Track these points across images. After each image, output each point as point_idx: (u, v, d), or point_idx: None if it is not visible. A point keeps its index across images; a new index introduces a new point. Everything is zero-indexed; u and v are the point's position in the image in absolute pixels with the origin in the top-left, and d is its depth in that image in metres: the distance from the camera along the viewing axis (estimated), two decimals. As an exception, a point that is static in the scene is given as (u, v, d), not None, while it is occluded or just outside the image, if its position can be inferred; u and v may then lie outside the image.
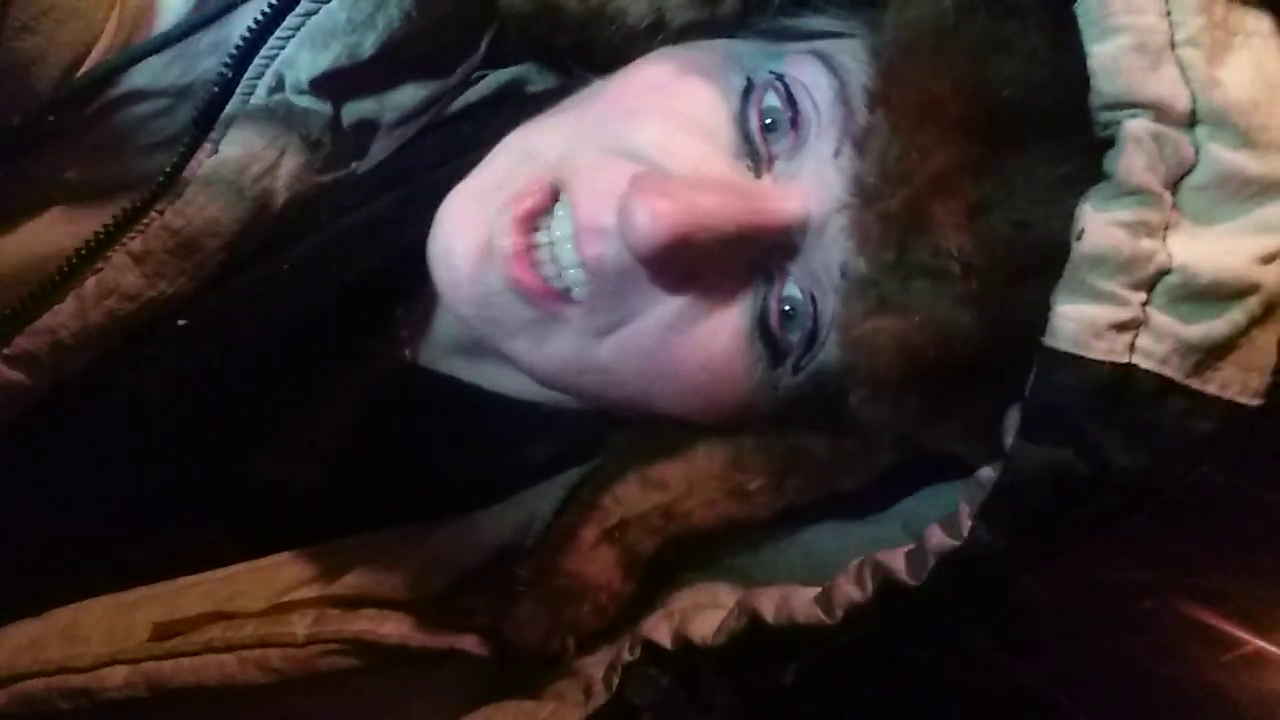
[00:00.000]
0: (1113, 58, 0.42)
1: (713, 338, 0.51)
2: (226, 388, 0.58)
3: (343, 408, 0.61)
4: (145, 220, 0.55)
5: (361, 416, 0.61)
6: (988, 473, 0.46)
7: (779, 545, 0.58)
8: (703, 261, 0.50)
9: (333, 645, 0.57)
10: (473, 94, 0.60)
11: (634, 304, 0.51)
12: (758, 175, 0.52)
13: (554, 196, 0.52)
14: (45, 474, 0.59)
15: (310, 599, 0.59)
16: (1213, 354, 0.43)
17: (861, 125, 0.48)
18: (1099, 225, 0.42)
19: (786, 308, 0.51)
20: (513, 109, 0.58)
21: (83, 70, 0.53)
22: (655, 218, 0.47)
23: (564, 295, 0.51)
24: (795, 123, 0.51)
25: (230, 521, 0.62)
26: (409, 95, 0.58)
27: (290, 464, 0.61)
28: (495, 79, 0.60)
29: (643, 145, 0.51)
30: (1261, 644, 0.91)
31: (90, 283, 0.55)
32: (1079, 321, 0.42)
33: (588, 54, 0.57)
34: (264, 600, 0.59)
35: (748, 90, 0.52)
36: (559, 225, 0.51)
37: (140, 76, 0.54)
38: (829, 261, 0.49)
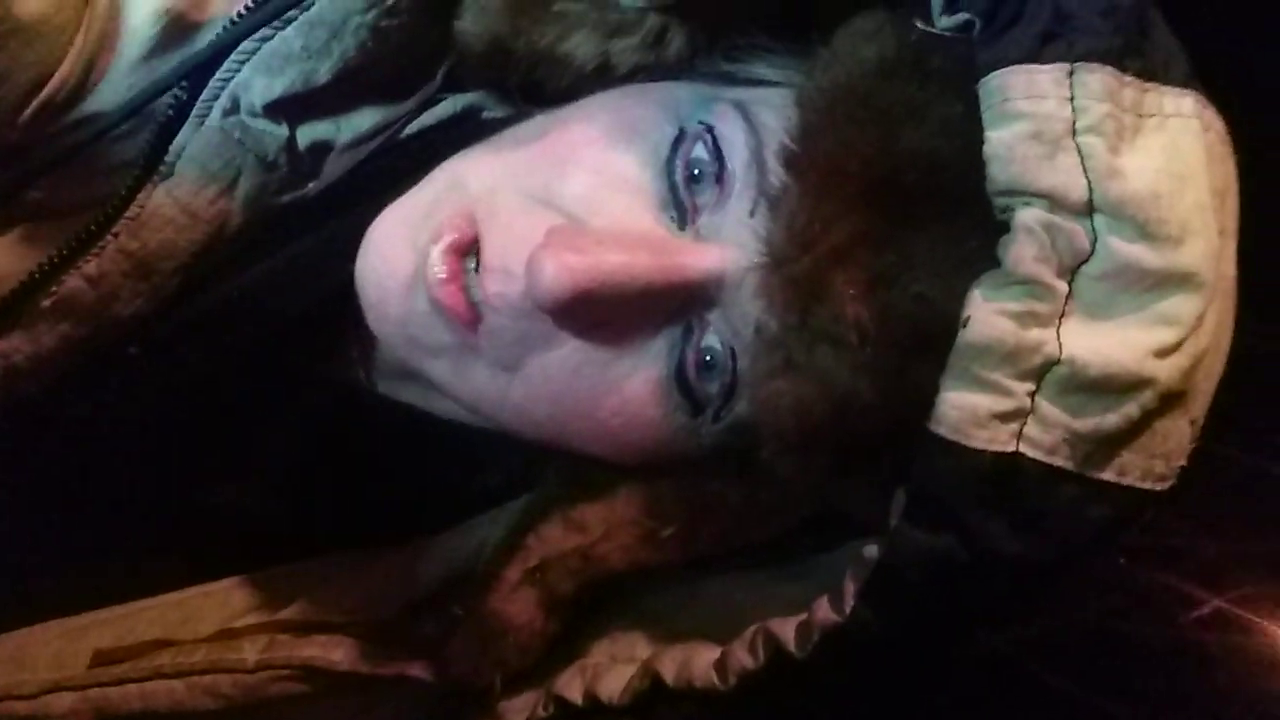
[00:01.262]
0: (1007, 145, 0.42)
1: (625, 383, 0.51)
2: (178, 412, 0.58)
3: (295, 431, 0.60)
4: (101, 243, 0.55)
5: (313, 440, 0.60)
6: (872, 550, 0.46)
7: (700, 593, 0.58)
8: (612, 313, 0.49)
9: (283, 671, 0.58)
10: (429, 117, 0.59)
11: (535, 341, 0.51)
12: (681, 227, 0.51)
13: (476, 230, 0.51)
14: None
15: (261, 624, 0.59)
16: (1107, 443, 0.43)
17: (774, 186, 0.47)
18: (986, 314, 0.42)
19: (707, 358, 0.50)
20: (466, 134, 0.57)
21: (43, 96, 0.52)
22: (559, 272, 0.47)
23: (476, 321, 0.51)
24: (720, 177, 0.50)
25: (183, 545, 0.62)
26: (366, 118, 0.58)
27: (243, 488, 0.61)
28: (453, 104, 0.59)
29: (567, 198, 0.51)
30: (1220, 603, 0.91)
31: (45, 305, 0.55)
32: (961, 409, 0.42)
33: (537, 91, 0.57)
34: (216, 624, 0.59)
35: (678, 139, 0.51)
36: (474, 263, 0.51)
37: (103, 101, 0.54)
38: (746, 318, 0.49)
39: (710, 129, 0.51)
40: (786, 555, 0.56)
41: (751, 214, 0.49)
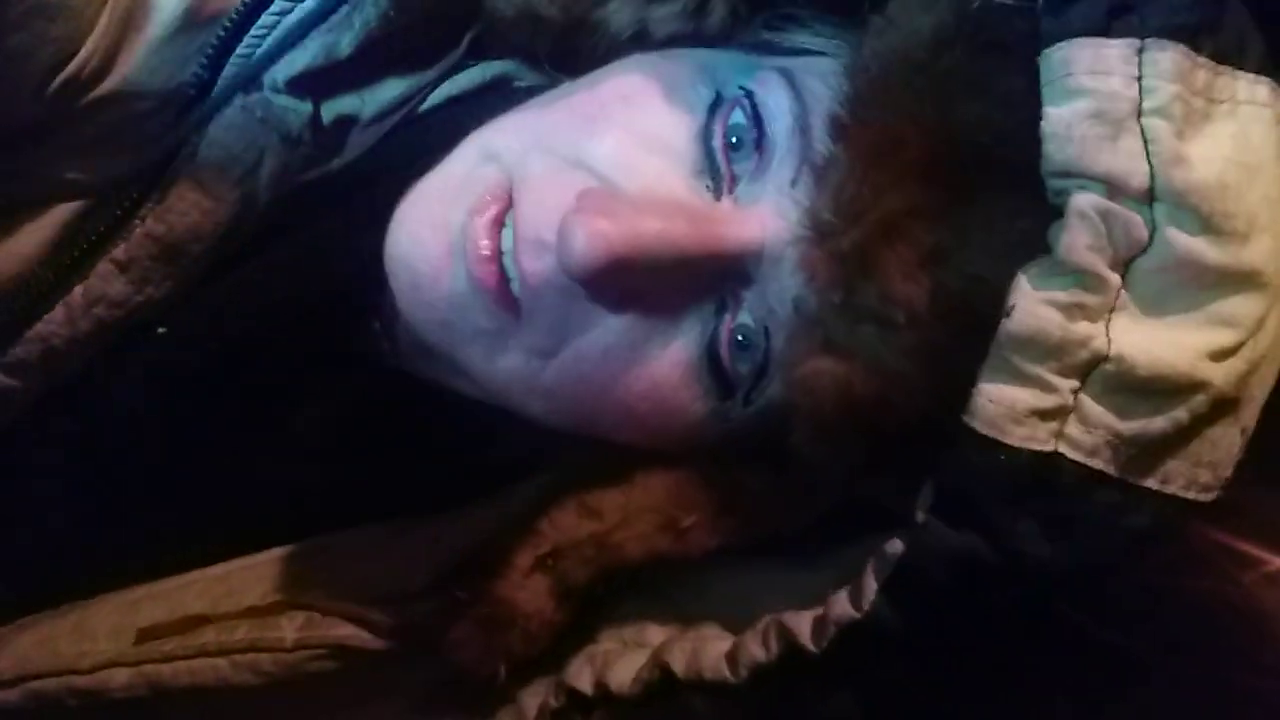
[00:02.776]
0: (1066, 123, 0.40)
1: (657, 365, 0.50)
2: (210, 389, 0.60)
3: (322, 406, 0.61)
4: (128, 228, 0.56)
5: (340, 414, 0.61)
6: (895, 546, 0.45)
7: (715, 582, 0.57)
8: (646, 284, 0.48)
9: (319, 650, 0.59)
10: (453, 86, 0.59)
11: (574, 324, 0.50)
12: (717, 196, 0.49)
13: (512, 202, 0.50)
14: (44, 475, 0.62)
15: (296, 601, 0.61)
16: (1152, 449, 0.41)
17: (822, 155, 0.46)
18: (1032, 303, 0.40)
19: (740, 337, 0.49)
20: (497, 103, 0.56)
21: (68, 72, 0.53)
22: (592, 239, 0.46)
23: (516, 306, 0.50)
24: (760, 144, 0.49)
25: (223, 518, 0.64)
26: (390, 89, 0.58)
27: (273, 462, 0.62)
28: (481, 71, 0.59)
29: (598, 158, 0.50)
30: (1283, 562, 0.90)
31: (78, 291, 0.57)
32: (999, 404, 0.41)
33: (569, 60, 0.56)
34: (256, 597, 0.61)
35: (715, 105, 0.50)
36: (508, 236, 0.50)
37: (129, 79, 0.55)
38: (784, 293, 0.47)
39: (750, 94, 0.49)
40: (803, 544, 0.55)
41: (794, 184, 0.47)
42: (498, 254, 0.49)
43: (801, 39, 0.53)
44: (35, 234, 0.57)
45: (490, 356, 0.52)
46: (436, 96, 0.59)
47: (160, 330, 0.59)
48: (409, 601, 0.59)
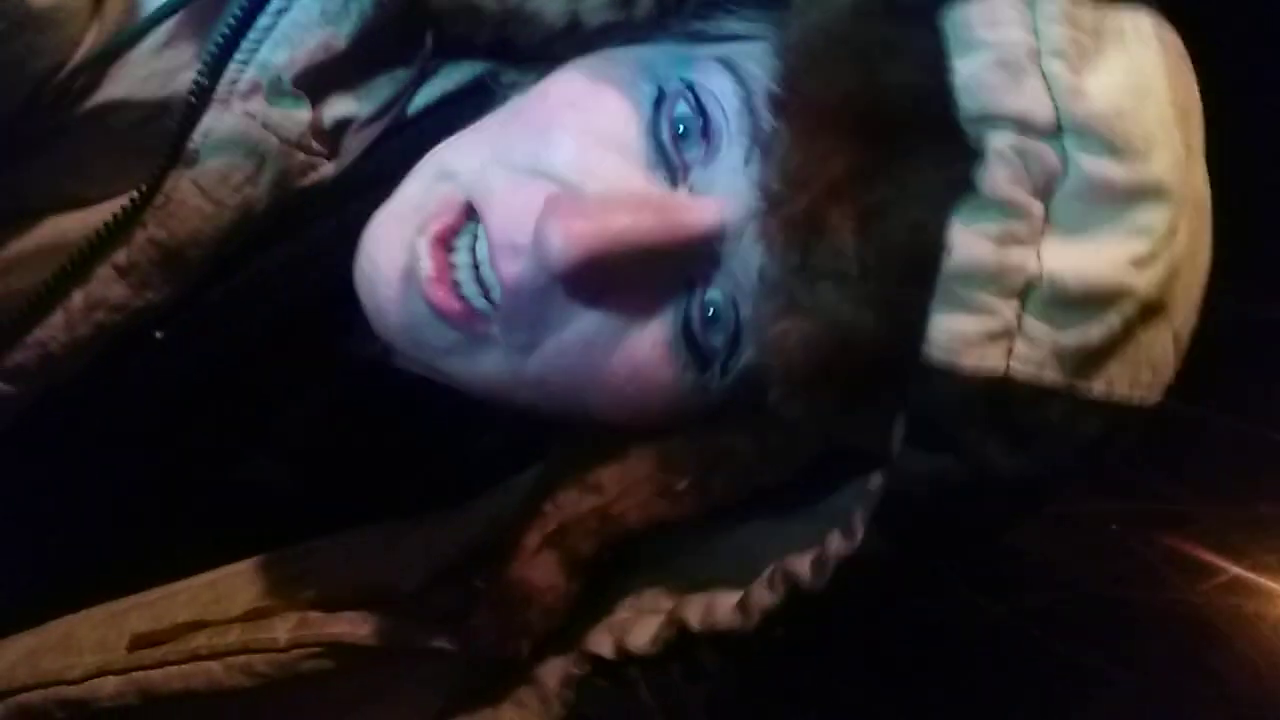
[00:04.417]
0: (973, 74, 0.42)
1: (637, 348, 0.51)
2: (204, 392, 0.59)
3: (318, 408, 0.61)
4: (129, 233, 0.55)
5: (336, 416, 0.61)
6: (877, 480, 0.47)
7: (717, 544, 0.58)
8: (620, 275, 0.50)
9: (314, 649, 0.59)
10: (444, 85, 0.59)
11: (552, 319, 0.51)
12: (674, 185, 0.51)
13: (468, 215, 0.52)
14: (35, 482, 0.60)
15: (290, 602, 0.60)
16: (1093, 356, 0.43)
17: (767, 132, 0.48)
18: (967, 238, 0.42)
19: (709, 311, 0.51)
20: (484, 101, 0.57)
21: (58, 81, 0.53)
22: (568, 238, 0.48)
23: (484, 314, 0.51)
24: (706, 131, 0.51)
25: (215, 524, 0.63)
26: (384, 88, 0.58)
27: (269, 466, 0.62)
28: (470, 69, 0.59)
29: (557, 165, 0.51)
30: (1239, 571, 0.91)
31: (77, 296, 0.56)
32: (951, 332, 0.43)
33: (509, 51, 0.57)
34: (247, 603, 0.60)
35: (659, 100, 0.52)
36: (479, 247, 0.51)
37: (121, 87, 0.54)
38: (747, 265, 0.49)
39: (690, 85, 0.51)
40: (797, 500, 0.57)
41: (746, 162, 0.50)
42: (445, 270, 0.51)
43: (731, 25, 0.54)
44: (34, 240, 0.56)
45: (469, 362, 0.53)
46: (426, 97, 0.59)
47: (157, 335, 0.58)
48: (405, 601, 0.59)
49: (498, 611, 0.57)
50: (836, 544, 0.48)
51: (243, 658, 0.58)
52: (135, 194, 0.55)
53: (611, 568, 0.58)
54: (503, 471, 0.61)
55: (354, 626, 0.58)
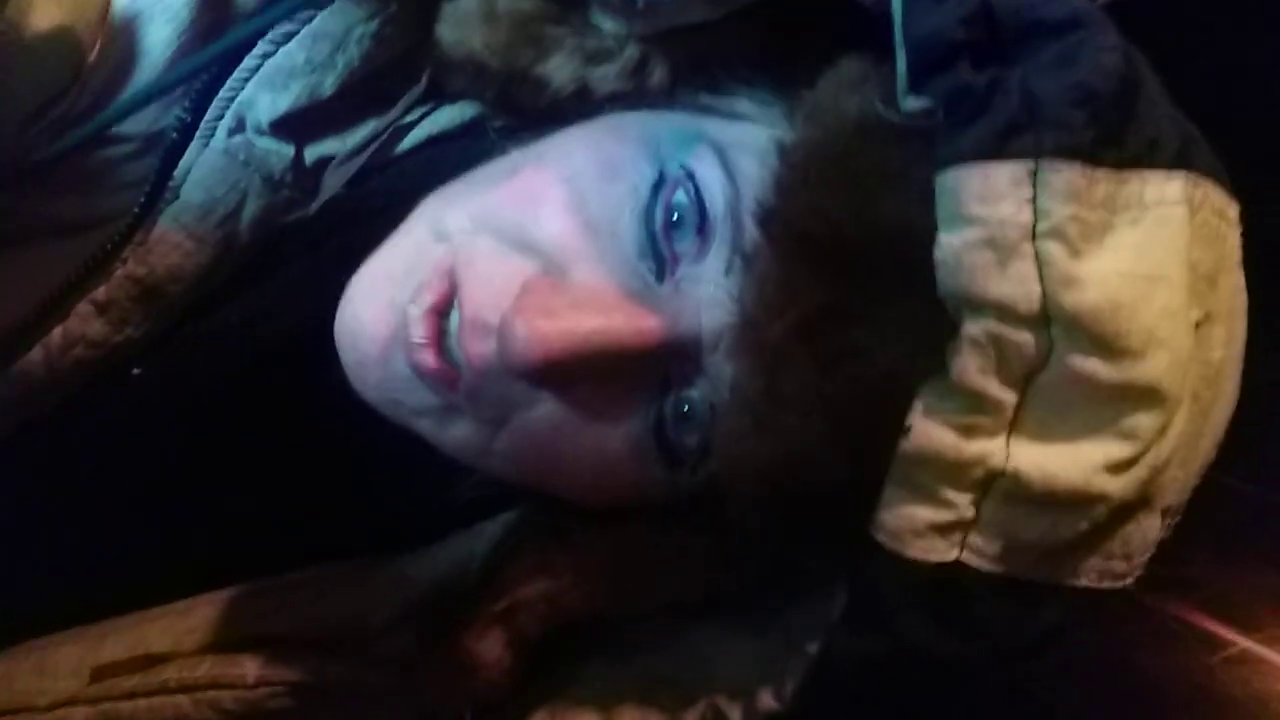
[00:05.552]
0: (956, 252, 0.39)
1: (606, 440, 0.49)
2: (181, 427, 0.59)
3: (293, 444, 0.60)
4: (109, 269, 0.55)
5: (312, 453, 0.60)
6: (814, 646, 0.46)
7: (673, 641, 0.56)
8: (589, 372, 0.48)
9: (280, 687, 0.58)
10: (430, 126, 0.58)
11: (518, 400, 0.49)
12: (660, 278, 0.49)
13: (457, 282, 0.50)
14: (12, 509, 0.60)
15: (263, 635, 0.59)
16: (1057, 553, 0.41)
17: (750, 244, 0.45)
18: (926, 425, 0.40)
19: (685, 408, 0.49)
20: (472, 144, 0.56)
21: (54, 114, 0.53)
22: (531, 339, 0.45)
23: (460, 384, 0.50)
24: (702, 227, 0.48)
25: (192, 554, 0.62)
26: (370, 131, 0.57)
27: (244, 499, 0.61)
28: (461, 111, 0.58)
29: (543, 242, 0.49)
30: (1249, 644, 0.90)
31: (57, 332, 0.56)
32: (900, 518, 0.41)
33: (515, 109, 0.56)
34: (220, 633, 0.60)
35: (658, 184, 0.49)
36: (455, 317, 0.49)
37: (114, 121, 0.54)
38: (724, 375, 0.47)
39: (691, 174, 0.48)
40: (756, 607, 0.54)
41: (727, 272, 0.47)
42: (437, 338, 0.49)
43: (742, 105, 0.52)
44: (16, 275, 0.56)
45: (441, 428, 0.52)
46: (416, 137, 0.58)
47: (135, 371, 0.58)
48: (372, 638, 0.58)
49: (441, 675, 0.56)
50: (766, 700, 0.47)
51: (211, 693, 0.58)
52: (115, 231, 0.55)
53: (562, 649, 0.57)
54: (475, 515, 0.60)
55: (319, 667, 0.58)
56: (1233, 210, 0.44)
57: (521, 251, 0.49)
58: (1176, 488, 0.43)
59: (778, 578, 0.53)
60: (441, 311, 0.49)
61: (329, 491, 0.60)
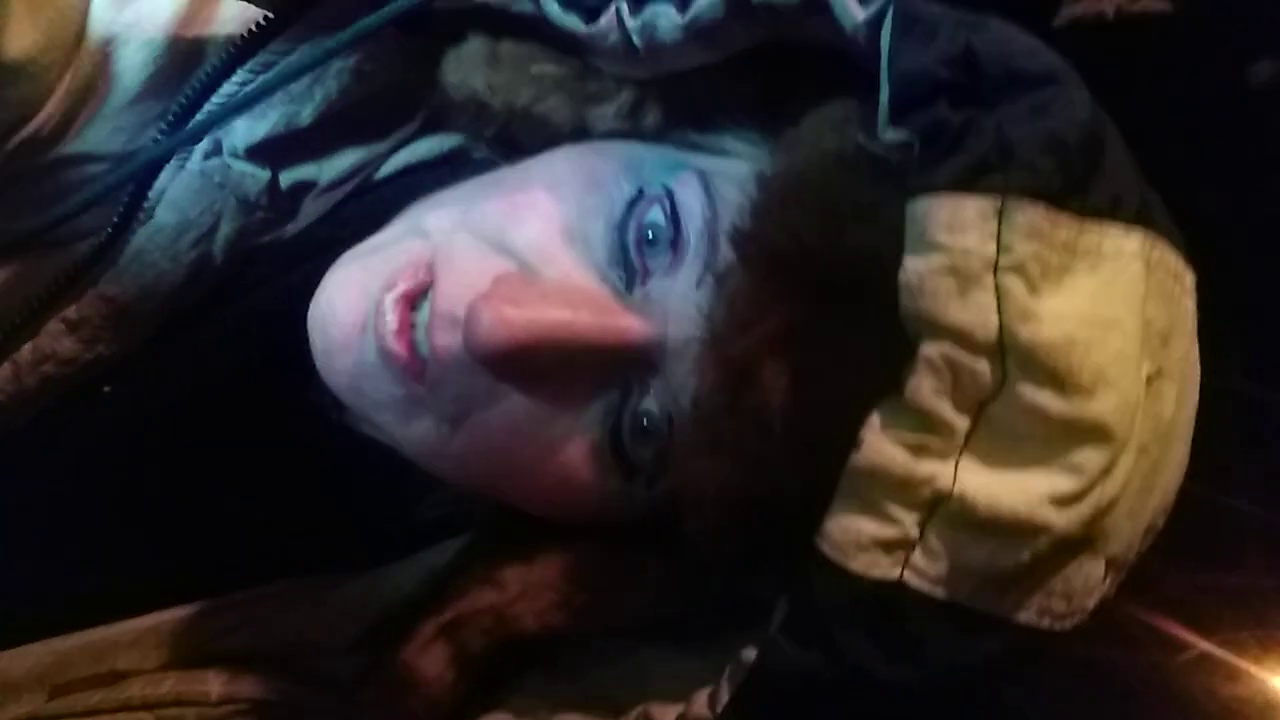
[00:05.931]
0: (919, 276, 0.40)
1: (561, 443, 0.50)
2: (152, 446, 0.59)
3: (262, 463, 0.60)
4: (80, 287, 0.55)
5: (280, 471, 0.60)
6: (749, 654, 0.45)
7: (615, 659, 0.56)
8: (551, 369, 0.49)
9: (243, 705, 0.58)
10: (409, 155, 0.59)
11: (481, 398, 0.50)
12: (629, 288, 0.50)
13: (432, 277, 0.51)
14: None
15: (226, 651, 0.60)
16: (998, 581, 0.41)
17: (723, 263, 0.47)
18: (878, 440, 0.41)
19: (644, 421, 0.49)
20: (450, 174, 0.57)
21: (25, 133, 0.53)
22: (495, 324, 0.46)
23: (423, 375, 0.50)
24: (675, 244, 0.49)
25: (160, 569, 0.62)
26: (348, 159, 0.58)
27: (215, 517, 0.61)
28: (441, 142, 0.59)
29: (520, 245, 0.50)
30: (1208, 647, 0.91)
31: (26, 349, 0.56)
32: (845, 531, 0.41)
33: (513, 145, 0.57)
34: (185, 648, 0.60)
35: (635, 200, 0.50)
36: (425, 310, 0.50)
37: (87, 140, 0.55)
38: (685, 389, 0.48)
39: (671, 194, 0.50)
40: (705, 631, 0.55)
41: (698, 286, 0.48)
42: (408, 328, 0.50)
43: (727, 143, 0.54)
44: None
45: (402, 422, 0.52)
46: (393, 165, 0.59)
47: (105, 389, 0.58)
48: (337, 656, 0.59)
49: (383, 693, 0.56)
50: (699, 707, 0.47)
51: (174, 710, 0.58)
52: (88, 248, 0.55)
53: (502, 667, 0.57)
54: (440, 532, 0.60)
55: (281, 686, 0.58)
56: (1188, 277, 0.45)
57: (498, 253, 0.50)
58: (1123, 540, 0.44)
59: (727, 605, 0.53)
60: (413, 302, 0.50)
61: (294, 509, 0.60)
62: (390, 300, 0.50)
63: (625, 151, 0.53)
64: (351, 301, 0.51)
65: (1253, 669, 0.93)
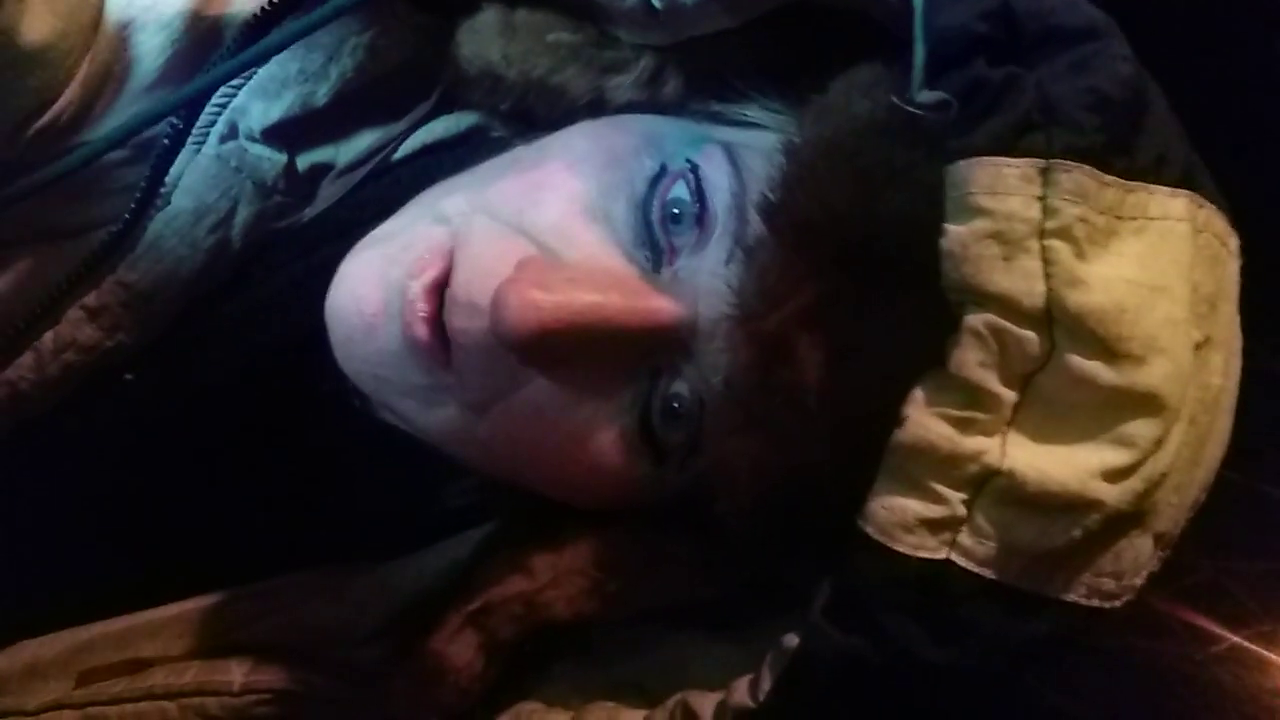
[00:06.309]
0: (963, 242, 0.39)
1: (590, 428, 0.49)
2: (174, 433, 0.59)
3: (283, 449, 0.60)
4: (100, 275, 0.55)
5: (300, 457, 0.60)
6: (791, 640, 0.44)
7: (646, 647, 0.56)
8: (580, 352, 0.48)
9: (266, 695, 0.58)
10: (426, 135, 0.58)
11: (505, 383, 0.49)
12: (656, 268, 0.49)
13: (452, 263, 0.50)
14: (5, 512, 0.60)
15: (248, 640, 0.60)
16: (1048, 560, 0.41)
17: (753, 237, 0.46)
18: (923, 416, 0.40)
19: (674, 404, 0.48)
20: (469, 153, 0.56)
21: (44, 121, 0.53)
22: (524, 309, 0.45)
23: (451, 365, 0.49)
24: (702, 219, 0.48)
25: (181, 558, 0.62)
26: (365, 140, 0.58)
27: (236, 504, 0.61)
28: (457, 121, 0.58)
29: (540, 227, 0.49)
30: (1239, 639, 0.90)
31: (48, 337, 0.56)
32: (890, 510, 0.40)
33: (530, 118, 0.56)
34: (208, 637, 0.60)
35: (658, 176, 0.49)
36: (447, 296, 0.49)
37: (106, 127, 0.55)
38: (716, 368, 0.47)
39: (695, 168, 0.49)
40: (737, 618, 0.54)
41: (727, 262, 0.47)
42: (435, 316, 0.49)
43: (751, 112, 0.53)
44: (7, 279, 0.57)
45: (425, 409, 0.52)
46: (410, 145, 0.58)
47: (127, 376, 0.58)
48: (357, 646, 0.58)
49: (412, 682, 0.55)
50: (740, 695, 0.46)
51: (197, 699, 0.58)
52: (106, 236, 0.55)
53: (534, 653, 0.56)
54: (463, 521, 0.60)
55: (304, 675, 0.58)
56: (1233, 241, 0.44)
57: (518, 234, 0.49)
58: (1170, 514, 0.42)
59: (762, 588, 0.52)
60: (439, 290, 0.49)
61: (317, 497, 0.60)
62: (419, 287, 0.49)
63: (645, 126, 0.52)
64: (371, 289, 0.50)
65: (1281, 660, 0.92)
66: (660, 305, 0.47)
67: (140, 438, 0.59)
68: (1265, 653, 0.92)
